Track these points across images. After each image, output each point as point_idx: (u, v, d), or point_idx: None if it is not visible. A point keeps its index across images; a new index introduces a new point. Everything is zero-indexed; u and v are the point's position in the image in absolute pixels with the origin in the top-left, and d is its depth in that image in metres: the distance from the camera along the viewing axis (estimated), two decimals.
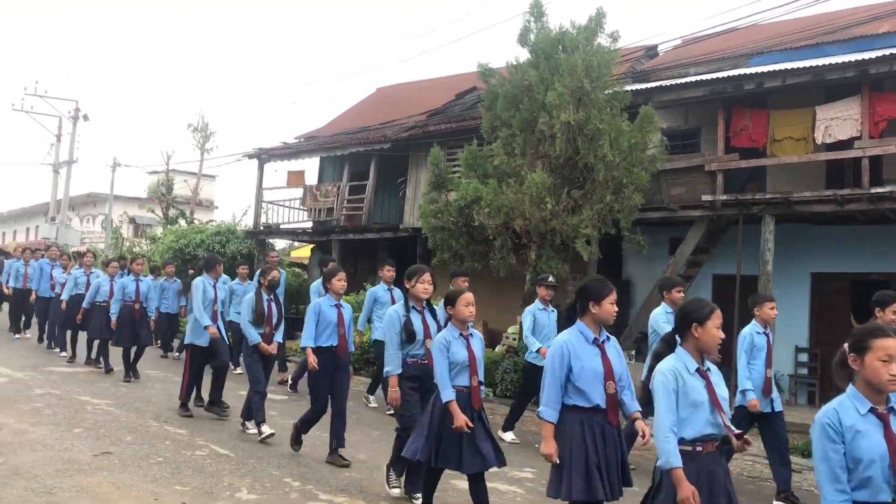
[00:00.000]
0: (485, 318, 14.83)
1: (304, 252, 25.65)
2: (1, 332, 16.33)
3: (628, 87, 12.63)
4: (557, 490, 4.24)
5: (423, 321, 6.07)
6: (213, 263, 9.34)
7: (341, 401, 7.04)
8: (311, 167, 24.67)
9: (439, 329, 5.79)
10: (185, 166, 33.12)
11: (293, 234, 22.19)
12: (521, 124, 11.60)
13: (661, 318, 7.36)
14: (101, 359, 11.72)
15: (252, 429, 7.90)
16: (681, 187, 12.80)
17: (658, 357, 3.87)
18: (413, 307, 6.10)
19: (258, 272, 8.59)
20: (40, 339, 14.88)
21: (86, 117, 32.58)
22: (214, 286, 9.04)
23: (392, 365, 5.94)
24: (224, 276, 11.04)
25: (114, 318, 11.04)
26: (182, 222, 27.30)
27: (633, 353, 12.32)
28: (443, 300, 5.62)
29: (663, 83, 13.00)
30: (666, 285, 7.79)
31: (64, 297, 12.84)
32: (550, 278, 9.33)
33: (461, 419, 5.04)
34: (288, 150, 21.60)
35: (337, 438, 7.02)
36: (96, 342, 11.97)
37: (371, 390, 10.52)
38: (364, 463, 7.16)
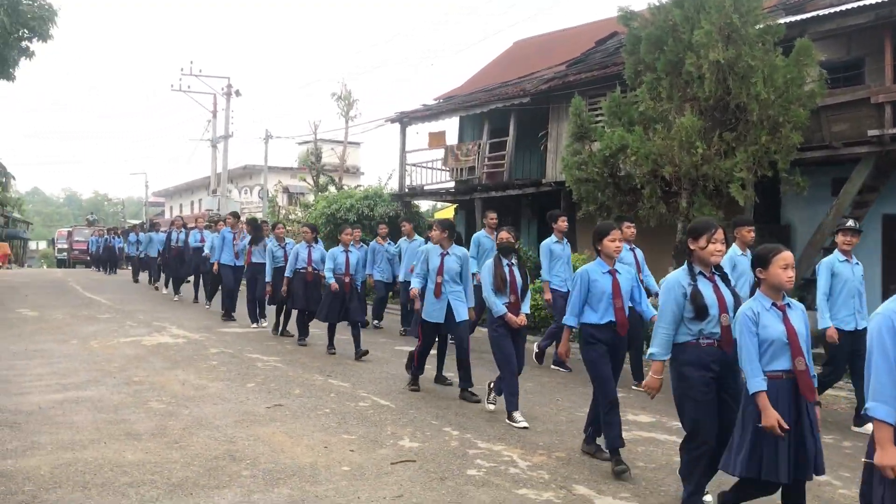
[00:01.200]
0: None
1: (447, 212, 26.00)
2: (186, 303, 17.61)
3: (781, 20, 11.86)
4: None
5: (716, 290, 4.66)
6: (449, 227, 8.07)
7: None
8: (451, 127, 24.92)
9: (736, 301, 4.64)
10: (331, 135, 34.27)
11: (436, 195, 22.51)
12: (667, 67, 11.17)
13: None
14: (298, 330, 11.27)
15: (491, 405, 7.31)
16: (843, 123, 11.94)
17: None
18: (700, 273, 4.71)
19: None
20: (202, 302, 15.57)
21: (238, 93, 34.19)
22: (443, 255, 7.91)
23: (660, 347, 4.68)
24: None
25: (331, 281, 10.07)
26: (332, 189, 28.33)
27: None
28: (752, 259, 4.55)
29: (821, 12, 12.10)
30: None
31: (268, 277, 11.70)
32: (850, 222, 7.57)
33: (772, 417, 3.99)
34: (428, 111, 21.84)
35: (597, 429, 5.86)
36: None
37: (638, 375, 8.96)
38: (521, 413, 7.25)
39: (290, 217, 28.74)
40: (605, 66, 16.57)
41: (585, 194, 12.22)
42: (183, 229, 17.77)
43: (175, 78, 53.60)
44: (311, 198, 30.10)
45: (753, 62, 10.46)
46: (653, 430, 6.83)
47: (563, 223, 9.81)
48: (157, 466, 5.24)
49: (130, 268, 24.86)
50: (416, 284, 8.11)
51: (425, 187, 22.01)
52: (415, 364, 8.09)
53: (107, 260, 28.82)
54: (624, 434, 5.64)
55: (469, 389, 7.79)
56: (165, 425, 6.34)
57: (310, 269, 10.92)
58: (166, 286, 18.99)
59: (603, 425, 5.69)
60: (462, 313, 7.85)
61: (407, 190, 21.91)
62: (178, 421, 6.50)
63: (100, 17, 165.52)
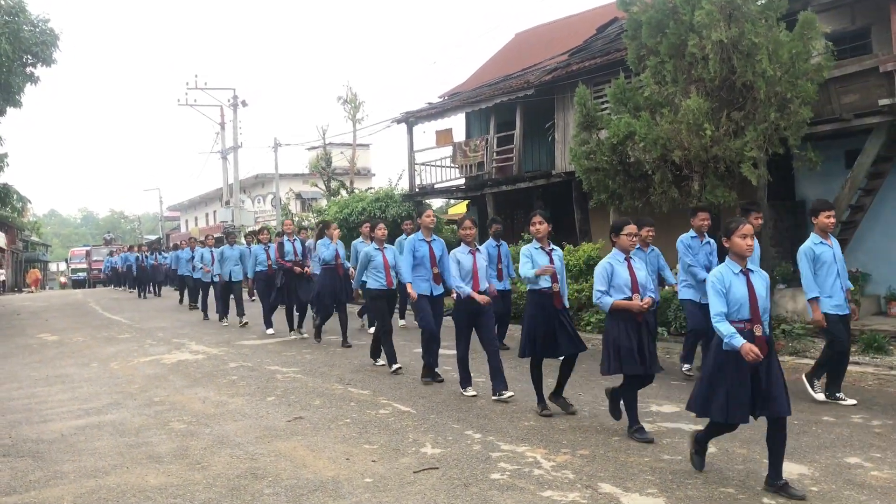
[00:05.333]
0: None
1: (459, 209, 25.93)
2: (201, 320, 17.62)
3: None
4: None
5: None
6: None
7: None
8: (457, 124, 24.81)
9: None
10: (339, 139, 34.18)
11: (447, 193, 22.48)
12: (670, 50, 11.03)
13: None
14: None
15: None
16: (853, 94, 11.75)
17: None
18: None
19: None
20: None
21: (244, 103, 34.18)
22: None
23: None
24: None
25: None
26: (343, 193, 28.32)
27: None
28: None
29: None
30: None
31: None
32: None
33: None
34: (433, 109, 21.79)
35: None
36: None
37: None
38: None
39: (303, 223, 28.78)
40: (607, 53, 16.45)
41: (596, 183, 12.11)
42: (296, 238, 13.55)
43: (181, 92, 53.88)
44: (323, 203, 30.12)
45: (757, 39, 10.30)
46: (678, 420, 6.74)
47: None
48: (180, 489, 5.23)
49: (178, 289, 22.17)
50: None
51: (436, 186, 21.97)
52: None
53: (143, 280, 26.33)
54: (648, 426, 5.65)
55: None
56: (187, 446, 6.33)
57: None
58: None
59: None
60: None
61: (417, 189, 21.88)
62: (200, 441, 6.49)
63: (102, 38, 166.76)
